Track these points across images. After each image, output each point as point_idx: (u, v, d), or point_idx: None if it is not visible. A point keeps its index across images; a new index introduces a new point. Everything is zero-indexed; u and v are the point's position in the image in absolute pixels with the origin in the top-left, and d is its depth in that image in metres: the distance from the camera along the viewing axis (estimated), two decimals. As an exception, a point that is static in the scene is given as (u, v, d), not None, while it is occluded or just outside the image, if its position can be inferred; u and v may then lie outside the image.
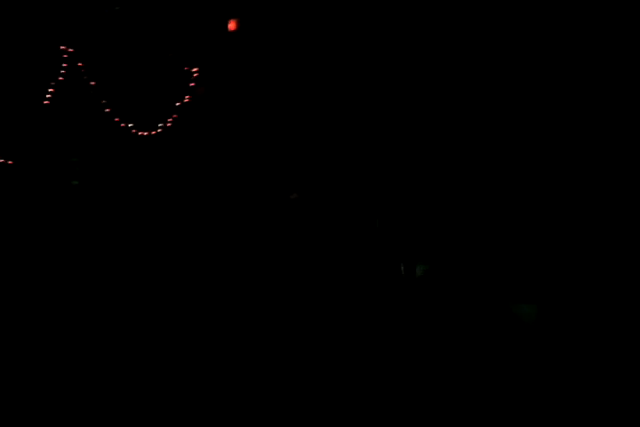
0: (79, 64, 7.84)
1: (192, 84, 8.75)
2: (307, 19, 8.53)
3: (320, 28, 8.52)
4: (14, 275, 7.40)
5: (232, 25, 8.86)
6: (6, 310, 6.54)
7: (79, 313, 6.62)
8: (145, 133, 8.50)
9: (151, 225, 8.54)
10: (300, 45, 8.71)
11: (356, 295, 7.19)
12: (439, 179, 8.10)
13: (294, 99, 8.83)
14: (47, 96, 7.66)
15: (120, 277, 7.74)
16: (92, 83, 7.98)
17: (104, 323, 6.32)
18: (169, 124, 8.66)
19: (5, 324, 6.14)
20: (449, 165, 8.10)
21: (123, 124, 8.29)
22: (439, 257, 7.67)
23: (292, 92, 8.84)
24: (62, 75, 7.73)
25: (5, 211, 7.75)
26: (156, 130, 8.58)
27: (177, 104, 8.67)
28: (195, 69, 8.74)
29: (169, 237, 8.43)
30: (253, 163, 8.94)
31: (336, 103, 8.65)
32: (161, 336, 5.84)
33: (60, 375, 4.66)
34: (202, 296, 7.23)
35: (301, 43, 8.69)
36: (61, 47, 7.68)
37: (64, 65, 7.73)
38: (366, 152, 8.50)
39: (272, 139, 8.91)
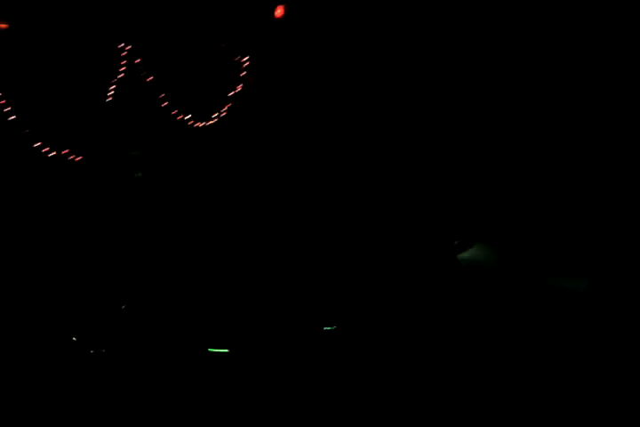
0: (137, 61, 8.10)
1: (243, 74, 8.97)
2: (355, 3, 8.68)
3: (369, 13, 8.66)
4: (81, 265, 7.75)
5: (279, 12, 9.03)
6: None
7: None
8: (201, 124, 8.76)
9: (211, 215, 8.82)
10: (348, 31, 8.86)
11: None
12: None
13: (343, 86, 9.01)
14: (109, 93, 7.95)
15: (184, 264, 8.03)
16: (150, 78, 8.23)
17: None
18: (223, 114, 8.91)
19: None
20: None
21: (180, 117, 8.55)
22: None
23: (340, 80, 9.02)
24: (122, 71, 8.00)
25: (75, 203, 8.08)
26: (211, 120, 8.83)
27: (229, 94, 8.90)
28: (245, 59, 8.95)
29: (231, 226, 8.72)
30: (306, 152, 9.17)
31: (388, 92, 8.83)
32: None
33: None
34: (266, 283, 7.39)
35: (349, 28, 8.85)
36: (121, 44, 7.94)
37: (123, 62, 7.99)
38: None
39: (323, 128, 9.12)
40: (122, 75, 8.00)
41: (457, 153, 8.72)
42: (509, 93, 8.40)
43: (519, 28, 8.30)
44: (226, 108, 8.91)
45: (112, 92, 7.95)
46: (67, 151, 7.67)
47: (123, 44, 7.95)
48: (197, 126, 8.79)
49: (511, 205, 8.37)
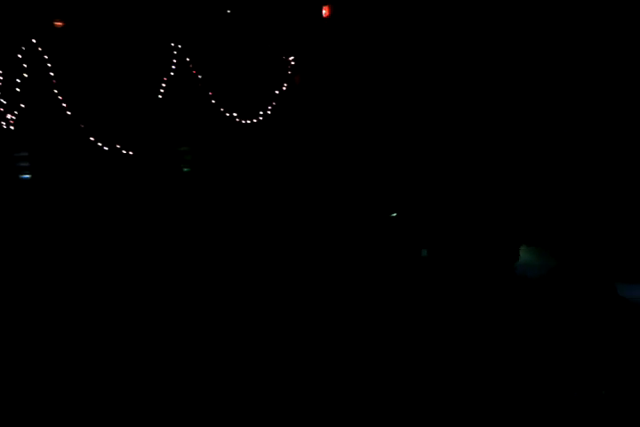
0: (187, 59, 8.36)
1: (289, 73, 9.16)
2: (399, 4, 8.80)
3: (411, 14, 8.78)
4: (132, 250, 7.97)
5: (325, 12, 9.20)
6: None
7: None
8: (248, 122, 8.98)
9: (254, 209, 9.03)
10: (392, 31, 8.98)
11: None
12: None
13: (387, 86, 9.14)
14: (160, 91, 8.22)
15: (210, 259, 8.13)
16: (199, 76, 8.48)
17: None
18: (269, 112, 9.12)
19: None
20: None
21: (227, 114, 8.78)
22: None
23: (384, 79, 9.14)
24: (173, 70, 8.27)
25: (125, 196, 8.36)
26: (257, 118, 9.05)
27: (276, 92, 9.10)
28: (291, 58, 9.15)
29: (271, 220, 8.92)
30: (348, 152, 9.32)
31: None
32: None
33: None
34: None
35: (393, 28, 8.97)
36: (171, 44, 8.20)
37: (174, 61, 8.26)
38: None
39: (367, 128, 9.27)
40: (172, 73, 8.26)
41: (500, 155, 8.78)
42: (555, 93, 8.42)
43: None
44: (271, 107, 9.12)
45: (163, 89, 8.21)
46: (119, 146, 7.95)
47: (174, 44, 8.21)
48: (244, 123, 9.02)
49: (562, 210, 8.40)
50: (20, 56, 7.33)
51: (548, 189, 8.35)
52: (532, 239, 7.75)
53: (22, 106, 7.37)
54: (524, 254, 7.73)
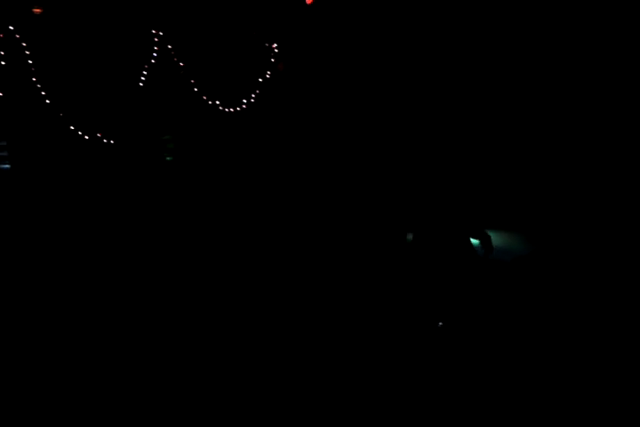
0: (169, 46, 8.24)
1: (272, 60, 9.07)
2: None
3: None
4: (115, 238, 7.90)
5: None
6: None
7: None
8: (231, 110, 8.90)
9: (238, 197, 8.99)
10: (376, 16, 8.91)
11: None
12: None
13: (371, 74, 9.08)
14: (141, 78, 8.11)
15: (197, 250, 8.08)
16: (181, 64, 8.37)
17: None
18: (252, 100, 9.03)
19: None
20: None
21: (210, 102, 8.69)
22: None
23: (369, 66, 9.08)
24: (154, 57, 8.15)
25: (107, 184, 8.27)
26: (240, 106, 8.96)
27: (259, 80, 9.01)
28: (274, 45, 9.05)
29: (257, 210, 8.88)
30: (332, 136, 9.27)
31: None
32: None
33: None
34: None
35: (377, 13, 8.89)
36: (152, 31, 8.08)
37: (155, 48, 8.14)
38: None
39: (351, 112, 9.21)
40: (153, 60, 8.14)
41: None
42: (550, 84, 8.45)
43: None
44: (254, 95, 9.04)
45: (144, 77, 8.10)
46: (99, 135, 7.85)
47: (155, 31, 8.09)
48: (227, 111, 8.93)
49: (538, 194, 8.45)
50: (-4, 43, 7.19)
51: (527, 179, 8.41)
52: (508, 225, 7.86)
53: (0, 94, 7.24)
54: (501, 239, 7.79)
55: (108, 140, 7.97)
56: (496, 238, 7.98)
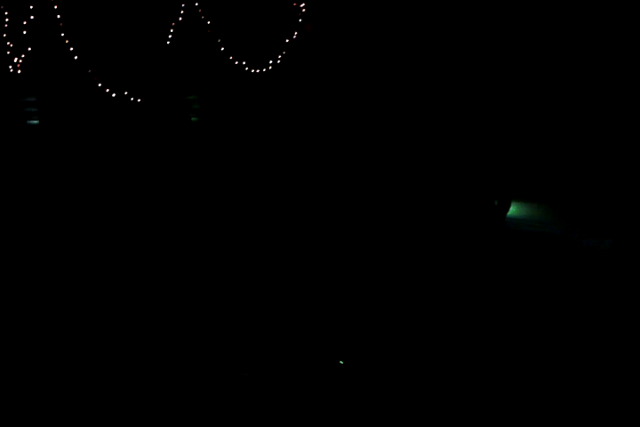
0: (196, 4, 8.18)
1: (300, 21, 8.98)
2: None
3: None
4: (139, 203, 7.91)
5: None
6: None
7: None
8: (257, 71, 8.84)
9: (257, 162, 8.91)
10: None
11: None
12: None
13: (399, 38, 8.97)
14: (169, 37, 8.07)
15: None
16: (208, 22, 8.31)
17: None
18: (279, 61, 8.97)
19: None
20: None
21: (237, 62, 8.64)
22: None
23: (398, 27, 8.96)
24: (181, 15, 8.10)
25: (133, 143, 8.31)
26: (267, 67, 8.91)
27: (286, 41, 8.93)
28: (302, 5, 8.95)
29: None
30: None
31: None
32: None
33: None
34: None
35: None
36: (180, -12, 8.02)
37: (182, 5, 8.08)
38: None
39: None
40: (181, 18, 8.10)
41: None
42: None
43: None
44: (281, 56, 8.97)
45: (171, 35, 8.06)
46: (126, 93, 7.85)
47: (183, -12, 8.03)
48: (253, 72, 8.88)
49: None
50: (26, -2, 7.19)
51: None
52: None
53: (29, 49, 7.25)
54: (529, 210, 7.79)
55: (135, 99, 7.98)
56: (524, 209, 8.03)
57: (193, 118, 8.81)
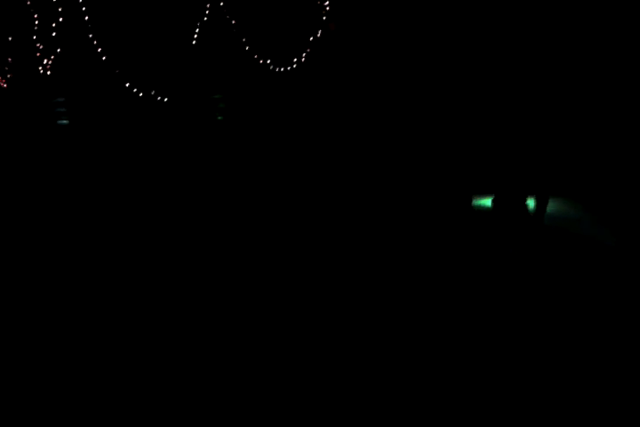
0: (220, 4, 8.27)
1: (324, 19, 9.02)
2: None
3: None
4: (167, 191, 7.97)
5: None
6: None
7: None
8: (282, 69, 8.91)
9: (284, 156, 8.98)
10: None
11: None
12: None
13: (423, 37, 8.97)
14: (194, 37, 8.18)
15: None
16: (233, 22, 8.40)
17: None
18: (303, 60, 9.03)
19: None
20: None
21: (261, 61, 8.72)
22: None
23: (424, 26, 8.96)
24: (206, 15, 8.20)
25: (160, 142, 8.43)
26: (291, 65, 8.97)
27: (310, 39, 8.99)
28: (326, 3, 8.99)
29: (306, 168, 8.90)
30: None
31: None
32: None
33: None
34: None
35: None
36: (205, -11, 8.12)
37: (207, 6, 8.18)
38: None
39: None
40: (206, 18, 8.20)
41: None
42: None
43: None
44: (305, 54, 9.02)
45: (196, 35, 8.17)
46: (153, 92, 7.97)
47: (208, -12, 8.13)
48: (277, 71, 8.95)
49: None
50: (55, 0, 7.34)
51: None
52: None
53: (58, 51, 7.41)
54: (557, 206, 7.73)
55: (162, 98, 8.10)
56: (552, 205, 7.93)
57: (219, 117, 8.90)
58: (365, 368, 4.37)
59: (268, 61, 8.77)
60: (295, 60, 8.98)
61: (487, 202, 8.32)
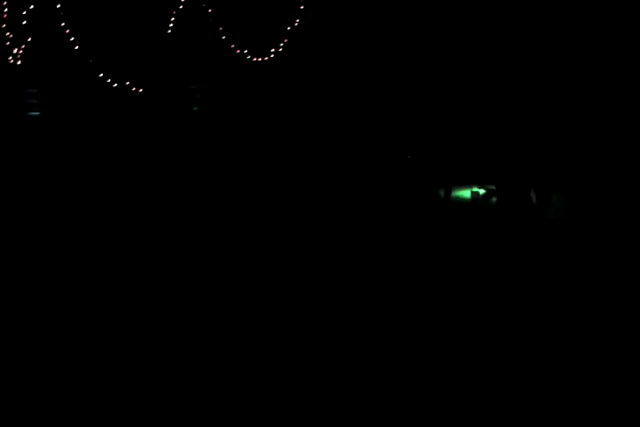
0: (196, -8, 8.08)
1: (301, 8, 8.87)
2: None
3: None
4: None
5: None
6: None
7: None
8: (259, 59, 8.75)
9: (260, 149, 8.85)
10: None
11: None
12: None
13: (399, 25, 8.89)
14: (169, 26, 7.97)
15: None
16: (210, 10, 8.21)
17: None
18: (280, 49, 8.88)
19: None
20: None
21: (238, 51, 8.55)
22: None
23: (403, 16, 8.87)
24: (182, 3, 7.99)
25: (134, 133, 8.22)
26: (268, 55, 8.81)
27: (287, 28, 8.84)
28: (303, -8, 8.85)
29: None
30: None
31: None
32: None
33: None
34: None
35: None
36: (181, -24, 7.90)
37: (183, -6, 7.98)
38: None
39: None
40: (181, 7, 7.99)
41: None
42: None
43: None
44: (283, 44, 8.87)
45: (172, 24, 7.96)
46: (128, 83, 7.76)
47: (183, -24, 7.92)
48: (255, 61, 8.79)
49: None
50: (25, -13, 7.07)
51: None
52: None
53: (29, 40, 7.15)
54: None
55: (137, 89, 7.89)
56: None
57: (195, 108, 8.72)
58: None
59: (245, 51, 8.60)
60: (273, 49, 8.83)
61: (466, 193, 8.40)
